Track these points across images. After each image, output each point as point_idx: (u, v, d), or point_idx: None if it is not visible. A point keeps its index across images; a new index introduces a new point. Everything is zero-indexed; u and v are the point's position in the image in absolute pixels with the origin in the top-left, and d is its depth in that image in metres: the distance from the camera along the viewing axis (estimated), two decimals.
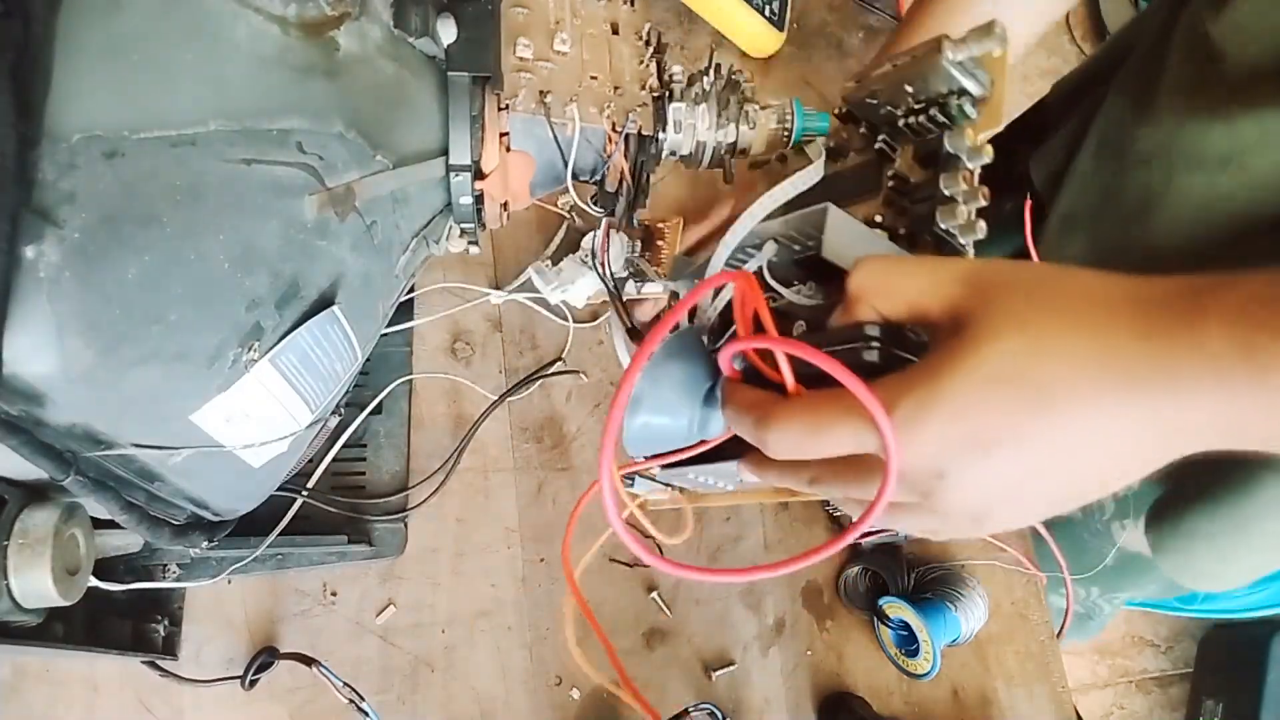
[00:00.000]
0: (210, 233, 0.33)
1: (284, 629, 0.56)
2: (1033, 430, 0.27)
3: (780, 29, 0.71)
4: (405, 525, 0.60)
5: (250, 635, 0.56)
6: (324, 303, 0.39)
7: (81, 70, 0.31)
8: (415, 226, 0.43)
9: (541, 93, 0.41)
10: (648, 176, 0.46)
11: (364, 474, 0.60)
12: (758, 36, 0.71)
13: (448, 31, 0.41)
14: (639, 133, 0.44)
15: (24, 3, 0.30)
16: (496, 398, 0.62)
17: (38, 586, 0.35)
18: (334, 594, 0.58)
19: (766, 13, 0.70)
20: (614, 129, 0.42)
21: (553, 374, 0.63)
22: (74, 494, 0.36)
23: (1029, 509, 0.30)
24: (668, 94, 0.45)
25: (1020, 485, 0.28)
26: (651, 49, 0.45)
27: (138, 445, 0.36)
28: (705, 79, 0.46)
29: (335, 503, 0.58)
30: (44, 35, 0.30)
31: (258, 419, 0.39)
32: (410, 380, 0.62)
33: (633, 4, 0.46)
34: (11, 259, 0.28)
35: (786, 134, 0.48)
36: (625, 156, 0.44)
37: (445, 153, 0.42)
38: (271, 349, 0.37)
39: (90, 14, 0.31)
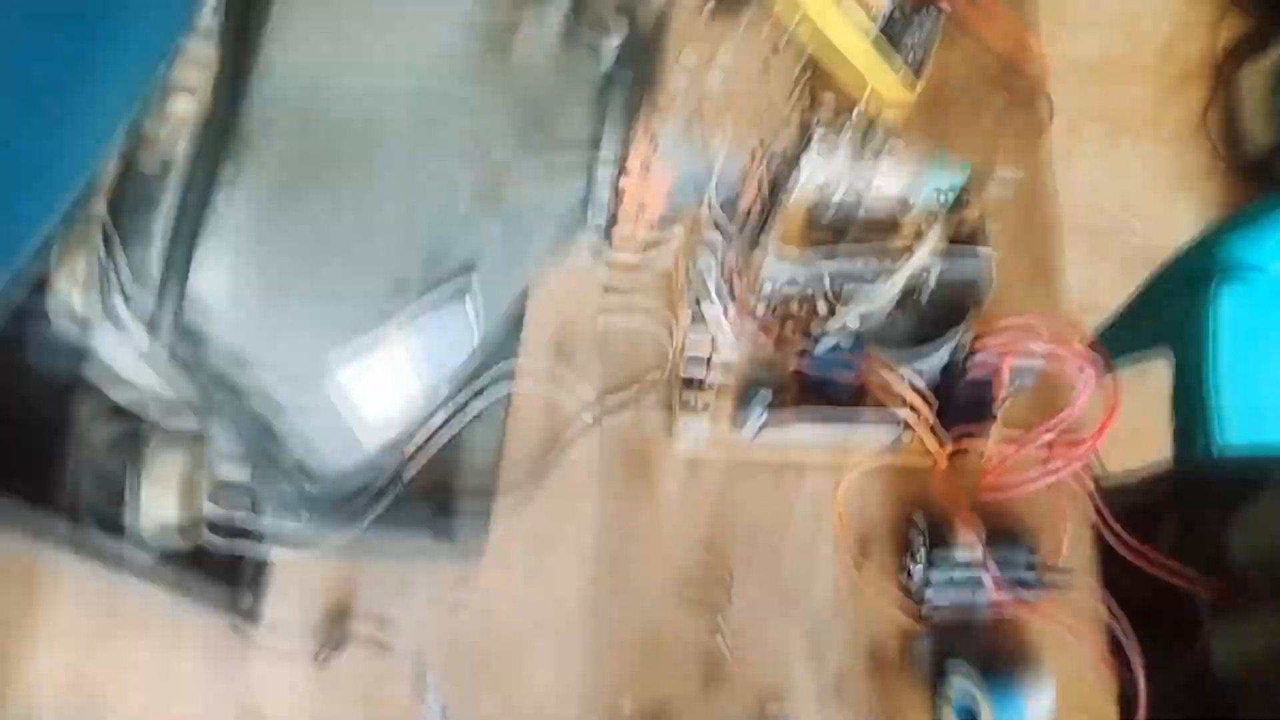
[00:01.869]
0: (382, 180, 0.35)
1: (359, 612, 0.58)
2: None
3: (915, 83, 0.72)
4: (486, 529, 0.61)
5: (327, 614, 0.58)
6: (463, 269, 0.41)
7: (295, 18, 0.33)
8: (556, 214, 0.45)
9: (695, 110, 0.43)
10: (782, 199, 0.47)
11: (454, 473, 0.62)
12: (892, 87, 0.71)
13: (619, 30, 0.42)
14: (781, 154, 0.45)
15: None
16: (590, 419, 0.64)
17: (163, 521, 0.38)
18: (410, 585, 0.60)
19: (904, 64, 0.71)
20: (760, 144, 0.44)
21: (645, 399, 0.65)
22: (211, 431, 0.38)
23: None
24: (814, 123, 0.47)
25: None
26: (802, 81, 0.47)
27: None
28: (850, 115, 0.47)
29: (424, 498, 0.60)
30: None
31: (379, 375, 0.41)
32: (511, 385, 0.64)
33: (777, 49, 0.48)
34: (209, 197, 0.30)
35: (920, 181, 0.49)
36: (763, 183, 0.46)
37: (596, 145, 0.44)
38: (409, 305, 0.39)
39: None
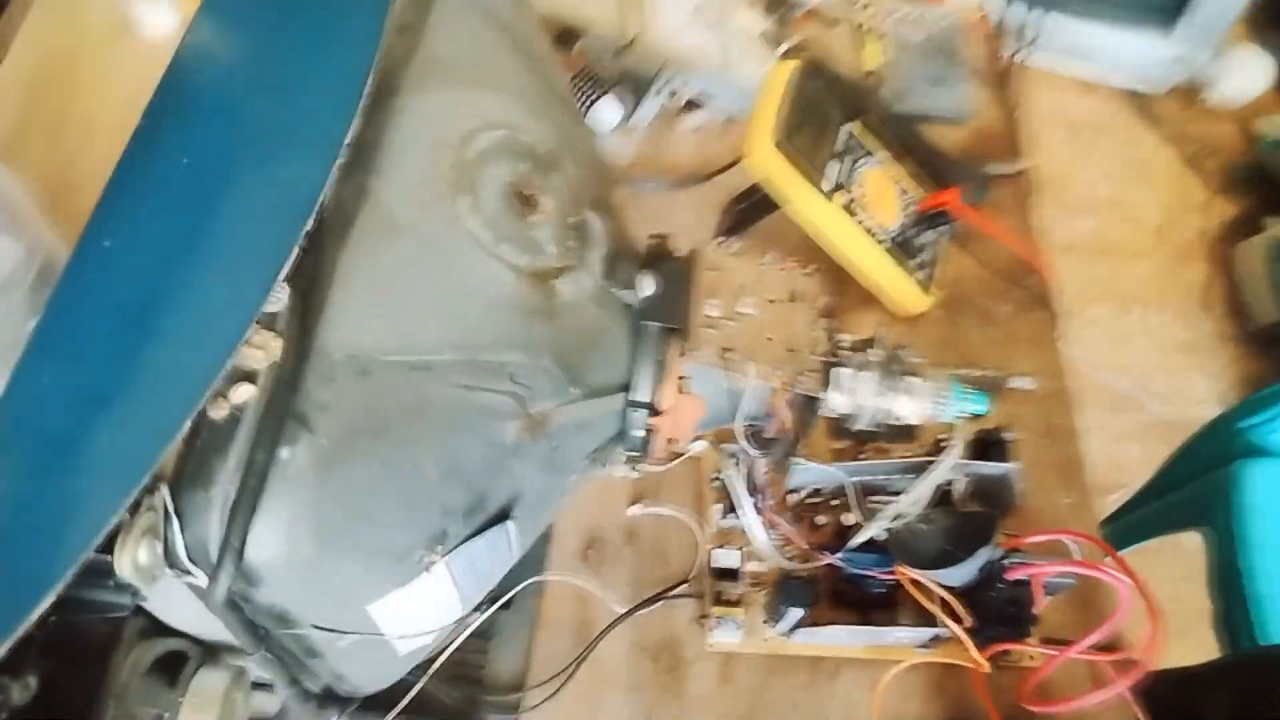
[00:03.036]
0: (428, 446, 0.37)
1: None
2: None
3: (928, 291, 0.75)
4: None
5: None
6: (502, 515, 0.42)
7: (350, 298, 0.36)
8: (590, 449, 0.47)
9: (724, 349, 0.45)
10: (807, 429, 0.49)
11: (484, 667, 0.62)
12: (907, 296, 0.75)
13: (647, 286, 0.46)
14: (805, 393, 0.47)
15: (319, 239, 0.36)
16: (620, 612, 0.63)
17: None
18: None
19: (917, 276, 0.75)
20: (784, 387, 0.46)
21: (677, 595, 0.64)
22: (253, 665, 0.38)
23: None
24: (835, 359, 0.49)
25: None
26: (824, 317, 0.49)
27: (317, 627, 0.38)
28: (871, 351, 0.49)
29: (452, 694, 0.60)
30: (329, 265, 0.36)
31: (419, 612, 0.42)
32: (543, 580, 0.64)
33: (815, 269, 0.50)
34: (273, 456, 0.32)
35: (941, 409, 0.51)
36: (790, 411, 0.47)
37: (628, 389, 0.46)
38: (450, 552, 0.40)
39: (365, 251, 0.37)
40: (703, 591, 0.64)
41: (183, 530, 0.32)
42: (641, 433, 0.47)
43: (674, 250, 0.52)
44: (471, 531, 0.40)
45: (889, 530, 0.59)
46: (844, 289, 0.77)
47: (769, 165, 0.68)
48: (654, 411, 0.47)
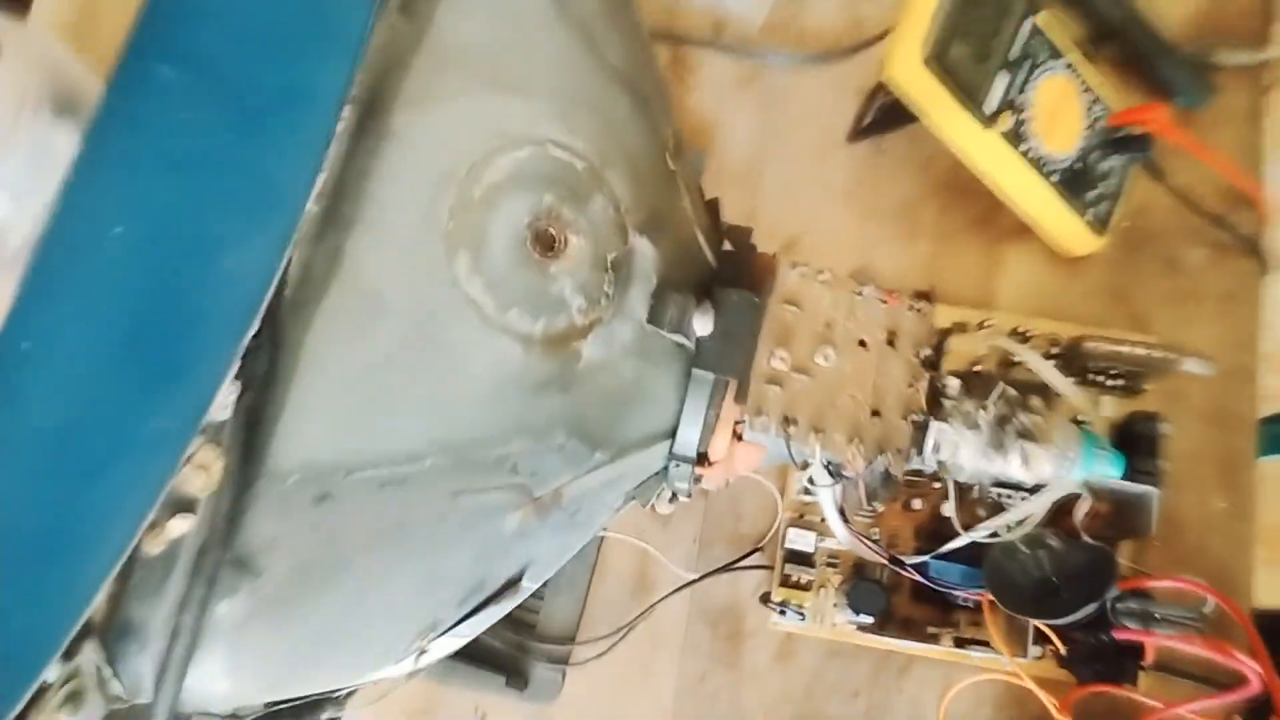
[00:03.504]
0: (402, 568, 0.32)
1: None
2: None
3: (1101, 232, 0.62)
4: (564, 677, 0.60)
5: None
6: (509, 585, 0.38)
7: (313, 401, 0.30)
8: (626, 491, 0.41)
9: (787, 418, 0.37)
10: (890, 488, 0.41)
11: (537, 613, 0.61)
12: (1072, 236, 0.62)
13: (704, 325, 0.37)
14: (885, 470, 0.39)
15: (277, 327, 0.30)
16: (684, 578, 0.60)
17: None
18: (484, 716, 0.60)
19: (1090, 213, 0.61)
20: (859, 460, 0.38)
21: (746, 567, 0.60)
22: None
23: None
24: (934, 408, 0.40)
25: None
26: (927, 369, 0.40)
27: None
28: (984, 409, 0.40)
29: (503, 636, 0.59)
30: (290, 355, 0.30)
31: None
32: (604, 533, 0.61)
33: (926, 303, 0.40)
34: (203, 620, 0.28)
35: (1066, 472, 0.42)
36: (863, 483, 0.40)
37: (673, 435, 0.40)
38: (444, 633, 0.36)
39: (335, 336, 0.31)
40: (773, 564, 0.59)
41: (116, 687, 0.29)
42: (686, 485, 0.41)
43: (755, 251, 0.42)
44: (471, 610, 0.37)
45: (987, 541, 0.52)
46: (993, 216, 0.64)
47: (914, 87, 0.55)
48: (701, 463, 0.40)
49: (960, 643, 0.56)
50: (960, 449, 0.41)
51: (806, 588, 0.58)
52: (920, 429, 0.39)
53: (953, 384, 0.41)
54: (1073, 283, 0.64)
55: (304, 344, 0.30)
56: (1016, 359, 0.45)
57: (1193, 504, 0.60)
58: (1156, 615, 0.51)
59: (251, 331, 0.29)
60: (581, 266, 0.34)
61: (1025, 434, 0.41)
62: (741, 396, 0.38)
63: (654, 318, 0.36)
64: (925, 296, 0.42)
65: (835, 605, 0.58)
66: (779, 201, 0.68)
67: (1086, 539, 0.51)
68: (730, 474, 0.42)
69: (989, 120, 0.56)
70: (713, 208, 0.45)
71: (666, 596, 0.60)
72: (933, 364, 0.40)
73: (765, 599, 0.58)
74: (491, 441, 0.33)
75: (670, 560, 0.61)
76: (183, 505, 0.29)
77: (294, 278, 0.30)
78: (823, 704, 0.59)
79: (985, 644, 0.55)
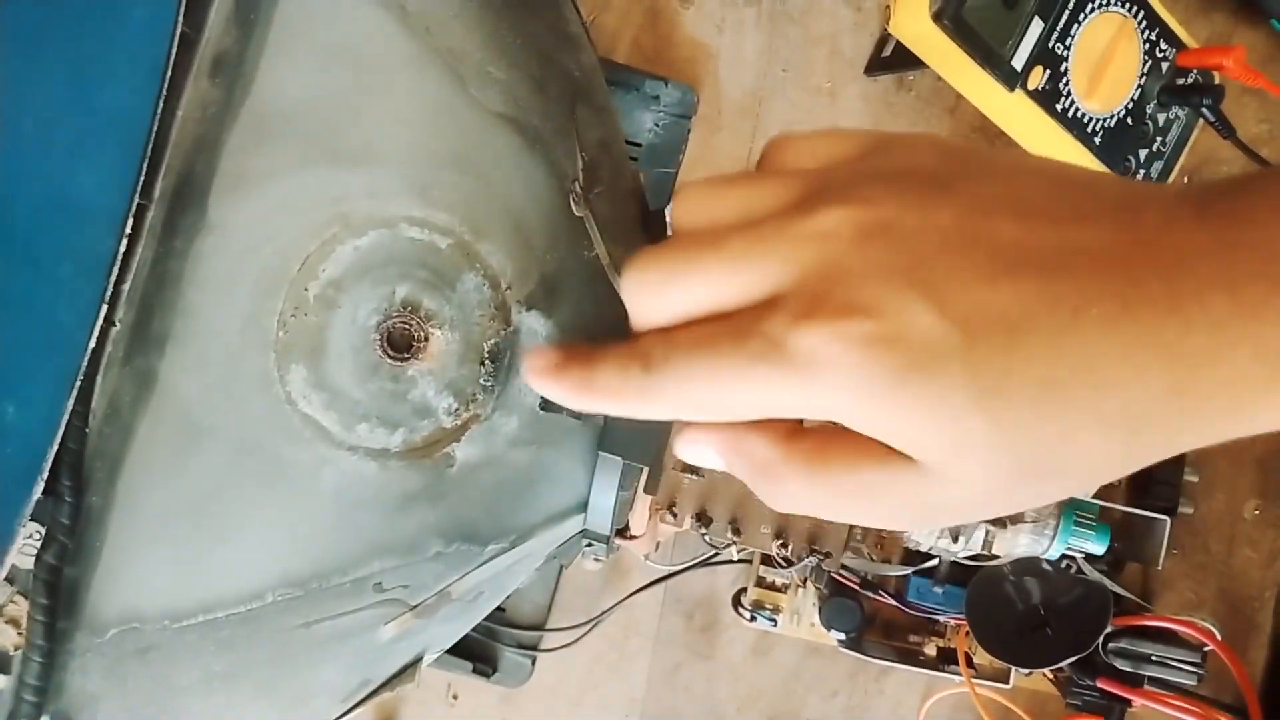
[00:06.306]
0: (255, 703, 0.29)
1: (405, 714, 0.59)
2: None
3: None
4: (533, 662, 0.59)
5: (372, 712, 0.59)
6: (406, 669, 0.35)
7: (131, 544, 0.27)
8: (542, 556, 0.38)
9: (700, 512, 0.33)
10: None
11: (507, 599, 0.59)
12: None
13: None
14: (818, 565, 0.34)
15: (78, 473, 0.26)
16: (659, 570, 0.57)
17: None
18: (455, 697, 0.59)
19: (1139, 178, 0.52)
20: (785, 559, 0.33)
21: (723, 562, 0.57)
22: None
23: None
24: None
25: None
26: None
27: None
28: None
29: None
30: (102, 503, 0.27)
31: None
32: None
33: None
34: None
35: (1042, 547, 0.37)
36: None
37: (585, 507, 0.35)
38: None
39: (155, 473, 0.27)
40: (750, 559, 0.56)
41: None
42: (605, 558, 0.37)
43: None
44: (361, 699, 0.34)
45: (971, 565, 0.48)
46: None
47: (923, 45, 0.46)
48: (623, 534, 0.36)
49: (943, 656, 0.52)
50: (913, 535, 0.36)
51: (783, 590, 0.55)
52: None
53: None
54: None
55: (116, 483, 0.27)
56: None
57: (1222, 510, 0.54)
58: (1152, 657, 0.46)
59: (39, 484, 0.25)
60: (448, 364, 0.29)
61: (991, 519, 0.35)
62: (652, 488, 0.33)
63: (548, 404, 0.32)
64: None
65: (814, 605, 0.54)
66: None
67: (1084, 569, 0.47)
68: (661, 536, 0.38)
69: (1016, 78, 0.47)
70: (657, 224, 0.39)
71: (641, 590, 0.57)
72: None
73: (737, 601, 0.55)
74: (345, 568, 0.29)
75: (642, 557, 0.58)
76: None
77: (99, 410, 0.26)
78: (800, 701, 0.57)
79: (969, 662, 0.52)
